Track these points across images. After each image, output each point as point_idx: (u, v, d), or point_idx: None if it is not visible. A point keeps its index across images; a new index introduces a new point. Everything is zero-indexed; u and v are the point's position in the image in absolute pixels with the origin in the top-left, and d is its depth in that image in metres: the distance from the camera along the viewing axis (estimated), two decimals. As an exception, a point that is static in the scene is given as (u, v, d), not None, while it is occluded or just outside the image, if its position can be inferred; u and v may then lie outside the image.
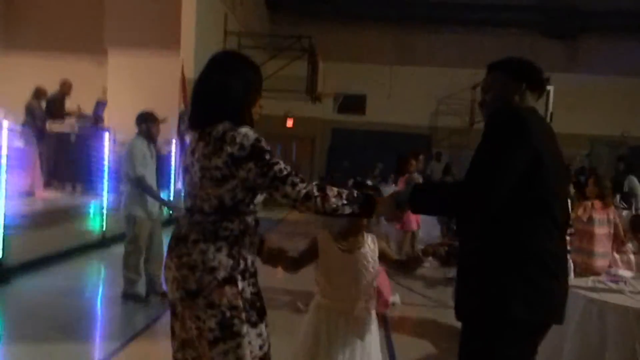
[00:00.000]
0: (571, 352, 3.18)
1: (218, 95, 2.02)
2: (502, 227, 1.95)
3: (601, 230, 4.81)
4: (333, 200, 1.97)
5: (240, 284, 1.95)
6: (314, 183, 1.99)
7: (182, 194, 2.18)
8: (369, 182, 2.79)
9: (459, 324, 2.09)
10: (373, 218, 2.34)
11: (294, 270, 2.53)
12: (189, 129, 2.10)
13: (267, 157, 1.92)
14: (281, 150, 16.17)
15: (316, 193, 1.94)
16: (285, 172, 1.93)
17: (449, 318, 2.18)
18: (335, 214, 2.01)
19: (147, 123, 5.02)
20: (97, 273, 6.76)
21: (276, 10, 16.15)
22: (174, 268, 1.99)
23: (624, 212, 5.49)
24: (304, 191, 1.93)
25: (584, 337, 3.12)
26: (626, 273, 3.76)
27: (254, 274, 2.03)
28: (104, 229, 7.52)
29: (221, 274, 1.93)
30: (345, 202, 1.99)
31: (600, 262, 4.66)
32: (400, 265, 2.70)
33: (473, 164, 1.98)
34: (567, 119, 14.05)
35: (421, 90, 16.28)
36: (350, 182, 2.67)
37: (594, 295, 3.25)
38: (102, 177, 7.81)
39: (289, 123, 16.11)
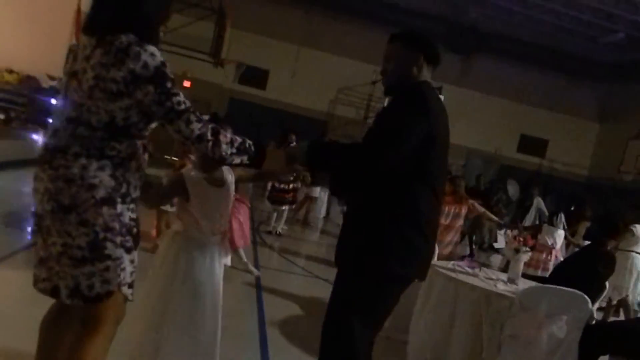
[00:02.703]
0: (428, 322, 3.49)
1: (128, 4, 1.87)
2: (386, 189, 2.14)
3: (447, 222, 5.57)
4: (224, 147, 1.95)
5: (119, 207, 1.87)
6: (210, 125, 1.93)
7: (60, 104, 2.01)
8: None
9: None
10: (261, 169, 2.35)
11: (157, 205, 2.55)
12: (84, 32, 1.92)
13: (169, 85, 1.85)
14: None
15: (209, 137, 1.91)
16: (182, 107, 1.87)
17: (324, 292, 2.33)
18: (223, 161, 2.00)
19: None
20: None
21: (190, -36, 15.44)
22: (46, 179, 1.84)
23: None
24: (197, 132, 1.88)
25: (438, 309, 3.43)
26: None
27: (134, 200, 1.95)
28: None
29: (100, 193, 1.82)
30: (235, 151, 1.98)
31: (444, 250, 5.41)
32: (257, 176, 2.76)
33: (373, 130, 2.14)
34: (451, 129, 15.04)
35: (324, 77, 16.54)
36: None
37: (452, 274, 3.55)
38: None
39: (186, 84, 15.57)
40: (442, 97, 11.50)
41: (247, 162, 2.04)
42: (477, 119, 17.23)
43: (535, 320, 3.15)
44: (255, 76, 16.63)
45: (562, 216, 6.83)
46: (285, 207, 7.94)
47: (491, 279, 3.68)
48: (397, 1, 15.83)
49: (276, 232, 7.96)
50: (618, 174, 15.78)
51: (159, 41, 1.93)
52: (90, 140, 1.85)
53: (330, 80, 16.62)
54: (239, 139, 2.01)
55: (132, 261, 1.93)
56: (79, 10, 9.37)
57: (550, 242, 6.39)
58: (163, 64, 1.84)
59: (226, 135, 1.96)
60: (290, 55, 16.53)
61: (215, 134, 1.92)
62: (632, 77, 16.87)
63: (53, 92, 9.36)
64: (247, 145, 2.03)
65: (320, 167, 2.48)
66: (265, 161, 2.12)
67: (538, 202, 9.33)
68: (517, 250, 3.74)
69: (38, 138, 8.04)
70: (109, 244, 1.84)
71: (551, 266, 5.96)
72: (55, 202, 1.82)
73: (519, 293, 3.27)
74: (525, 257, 3.78)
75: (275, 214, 7.99)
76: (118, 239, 1.86)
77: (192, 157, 3.68)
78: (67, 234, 1.83)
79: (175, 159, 4.85)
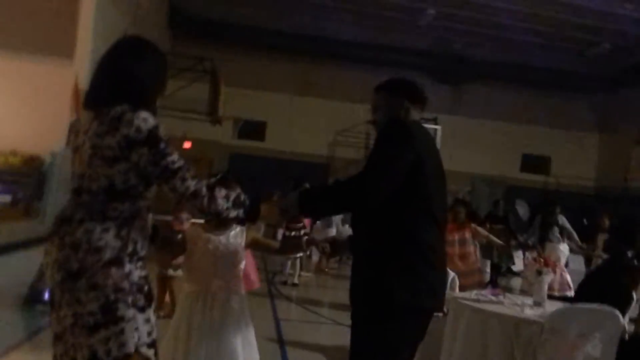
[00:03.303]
0: (458, 358, 3.39)
1: (123, 78, 1.96)
2: (387, 221, 2.17)
3: (458, 250, 5.62)
4: (220, 201, 1.96)
5: (127, 266, 1.86)
6: (204, 181, 1.96)
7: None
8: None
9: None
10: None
11: (169, 263, 2.74)
12: (84, 107, 2.01)
13: (162, 145, 1.89)
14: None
15: (204, 192, 1.93)
16: (177, 165, 1.90)
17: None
18: (220, 216, 2.00)
19: None
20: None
21: (178, 30, 15.89)
22: (55, 250, 1.86)
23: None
24: (192, 188, 1.90)
25: (467, 343, 3.35)
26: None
27: (142, 258, 1.94)
28: None
29: (107, 255, 1.83)
30: (230, 205, 1.98)
31: (466, 281, 5.44)
32: (277, 250, 2.93)
33: (364, 167, 2.19)
34: (452, 157, 15.09)
35: (320, 122, 16.75)
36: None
37: (478, 305, 3.49)
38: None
39: (187, 144, 15.77)
40: (438, 127, 11.79)
41: (243, 215, 2.03)
42: (478, 145, 17.31)
43: (567, 342, 3.08)
44: (253, 129, 16.85)
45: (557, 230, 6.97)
46: (299, 255, 7.88)
47: (517, 305, 3.61)
48: (383, 41, 16.21)
49: (292, 282, 7.87)
50: (625, 181, 15.71)
51: (155, 112, 1.99)
52: (92, 205, 1.88)
53: (326, 124, 16.83)
54: (234, 193, 2.03)
55: (147, 320, 1.89)
56: (76, 87, 9.60)
57: (553, 258, 6.41)
58: (156, 127, 1.90)
59: (222, 190, 1.99)
60: (285, 105, 16.80)
61: (211, 189, 1.95)
62: (624, 85, 17.04)
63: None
64: (242, 199, 2.04)
65: (315, 213, 2.56)
66: (261, 214, 2.13)
67: (563, 220, 8.93)
68: (539, 273, 3.69)
69: (46, 216, 8.09)
70: (121, 305, 1.82)
71: (557, 285, 5.91)
72: (64, 271, 1.83)
73: (547, 317, 3.21)
74: (548, 278, 3.73)
75: (289, 263, 7.93)
76: (129, 299, 1.85)
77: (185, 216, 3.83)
78: (77, 302, 1.81)
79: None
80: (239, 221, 2.11)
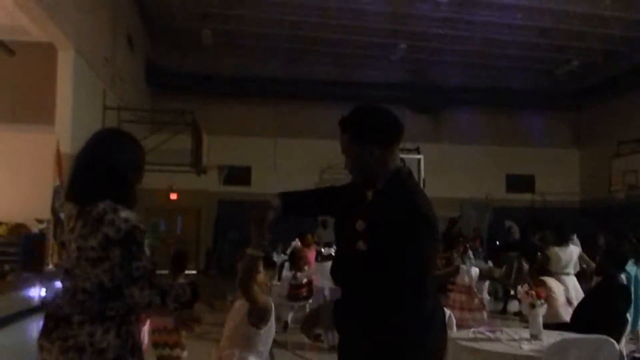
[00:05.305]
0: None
1: (102, 172, 2.01)
2: (390, 284, 1.94)
3: None
4: (170, 306, 2.01)
5: None
6: (161, 288, 1.97)
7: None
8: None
9: None
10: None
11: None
12: (67, 199, 2.06)
13: (134, 249, 1.93)
14: (165, 223, 15.69)
15: (158, 302, 1.97)
16: (139, 273, 1.93)
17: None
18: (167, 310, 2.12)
19: None
20: None
21: (157, 86, 16.17)
22: (56, 351, 1.92)
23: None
24: (147, 299, 1.94)
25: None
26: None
27: (140, 347, 2.06)
28: None
29: (110, 355, 1.93)
30: (178, 305, 2.03)
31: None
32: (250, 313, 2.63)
33: (395, 271, 1.91)
34: (438, 184, 15.23)
35: (305, 161, 16.87)
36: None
37: (476, 345, 3.49)
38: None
39: (173, 196, 15.76)
40: (421, 156, 11.78)
41: (187, 303, 2.08)
42: (462, 169, 17.49)
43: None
44: (238, 174, 16.92)
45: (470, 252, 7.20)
46: (302, 303, 7.50)
47: (514, 340, 3.62)
48: (357, 78, 16.53)
49: (284, 321, 7.48)
50: (609, 193, 15.91)
51: (136, 201, 2.05)
52: (90, 305, 1.96)
53: (311, 163, 16.94)
54: (181, 291, 2.04)
55: None
56: (58, 152, 9.62)
57: (467, 281, 6.67)
58: (135, 227, 1.95)
59: (171, 293, 2.00)
60: (269, 149, 16.92)
61: (163, 296, 1.98)
62: (595, 100, 17.47)
63: (42, 235, 9.39)
64: (187, 293, 2.06)
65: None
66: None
67: (575, 241, 8.53)
68: (532, 306, 3.72)
69: (36, 288, 7.97)
70: None
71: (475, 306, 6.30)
72: None
73: (545, 352, 3.22)
74: (542, 310, 3.75)
75: (291, 314, 7.58)
76: None
77: None
78: None
79: None
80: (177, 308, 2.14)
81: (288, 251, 10.19)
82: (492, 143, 17.96)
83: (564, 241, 6.44)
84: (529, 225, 13.28)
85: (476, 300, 6.85)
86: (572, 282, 6.15)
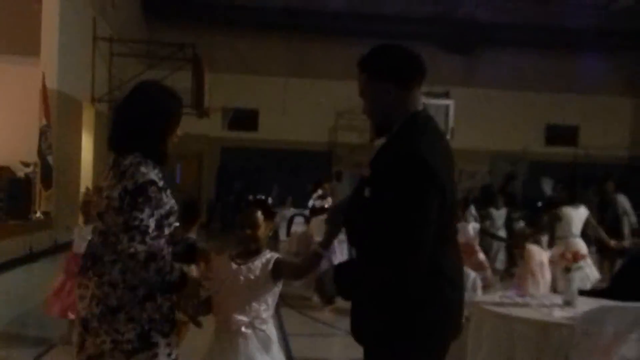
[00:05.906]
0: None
1: (134, 125, 2.40)
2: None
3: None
4: (151, 273, 2.30)
5: (159, 299, 2.38)
6: (151, 250, 2.27)
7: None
8: (269, 200, 2.98)
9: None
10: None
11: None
12: (109, 147, 2.49)
13: (140, 200, 2.29)
14: (161, 171, 15.79)
15: (140, 258, 2.26)
16: (134, 223, 2.26)
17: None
18: (144, 281, 2.33)
19: None
20: None
21: (154, 15, 15.86)
22: (93, 286, 2.34)
23: None
24: (131, 250, 2.25)
25: (493, 351, 3.42)
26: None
27: (169, 289, 2.40)
28: None
29: (142, 292, 2.33)
30: (159, 279, 2.33)
31: None
32: (298, 269, 2.79)
33: (385, 221, 1.98)
34: (468, 135, 15.14)
35: (319, 105, 16.73)
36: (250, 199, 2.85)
37: (502, 310, 3.56)
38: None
39: (172, 141, 15.83)
40: (450, 102, 11.69)
41: (175, 287, 2.40)
42: (496, 118, 17.28)
43: (601, 345, 3.15)
44: (244, 118, 16.90)
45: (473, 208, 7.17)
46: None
47: (545, 306, 3.68)
48: (383, 10, 16.09)
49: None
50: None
51: (167, 157, 2.46)
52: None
53: (326, 107, 16.80)
54: (167, 267, 2.35)
55: (168, 344, 2.40)
56: (44, 87, 9.62)
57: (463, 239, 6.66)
58: (148, 182, 2.32)
59: (161, 262, 2.31)
60: (279, 90, 16.76)
61: (148, 259, 2.28)
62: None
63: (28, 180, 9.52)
64: (174, 274, 2.37)
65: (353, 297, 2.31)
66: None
67: (622, 200, 8.30)
68: (567, 269, 3.76)
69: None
70: (153, 334, 2.36)
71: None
72: (103, 305, 2.32)
73: (579, 319, 3.27)
74: (578, 274, 3.79)
75: None
76: (159, 327, 2.38)
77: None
78: (116, 332, 2.32)
79: None
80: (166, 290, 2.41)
81: (310, 203, 10.49)
82: (532, 89, 17.59)
83: (574, 200, 6.36)
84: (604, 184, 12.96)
85: (480, 256, 6.92)
86: (583, 248, 5.99)
